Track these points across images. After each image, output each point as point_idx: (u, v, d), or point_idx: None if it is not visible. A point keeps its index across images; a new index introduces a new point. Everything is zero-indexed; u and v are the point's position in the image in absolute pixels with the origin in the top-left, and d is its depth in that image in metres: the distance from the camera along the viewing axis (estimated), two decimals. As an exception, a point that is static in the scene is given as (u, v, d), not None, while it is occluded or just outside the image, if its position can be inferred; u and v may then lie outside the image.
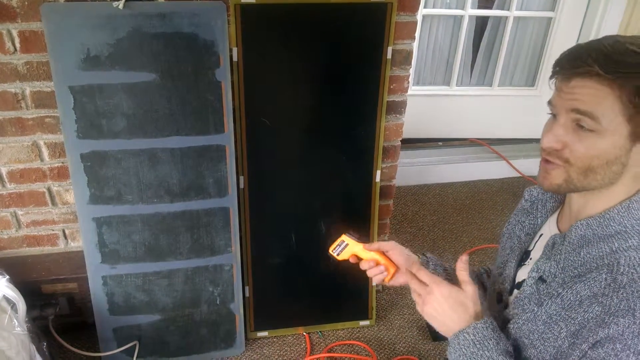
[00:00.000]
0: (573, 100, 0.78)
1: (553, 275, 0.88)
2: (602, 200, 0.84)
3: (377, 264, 1.10)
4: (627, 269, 0.78)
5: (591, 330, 0.78)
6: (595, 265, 0.82)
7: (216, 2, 1.47)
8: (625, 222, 0.81)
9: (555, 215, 0.96)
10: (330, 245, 1.14)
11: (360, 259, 1.12)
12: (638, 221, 0.81)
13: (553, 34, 2.95)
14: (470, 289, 0.89)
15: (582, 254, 0.85)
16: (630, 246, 0.80)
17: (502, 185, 3.07)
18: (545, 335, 0.85)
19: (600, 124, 0.76)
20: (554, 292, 0.87)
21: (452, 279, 1.12)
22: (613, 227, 0.82)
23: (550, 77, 0.83)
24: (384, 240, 1.13)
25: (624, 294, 0.76)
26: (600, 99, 0.76)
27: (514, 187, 3.03)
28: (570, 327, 0.82)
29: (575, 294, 0.82)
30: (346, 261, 1.13)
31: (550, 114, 0.84)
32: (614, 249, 0.81)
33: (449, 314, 0.88)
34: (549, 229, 0.96)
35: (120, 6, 1.40)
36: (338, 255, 1.13)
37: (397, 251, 1.10)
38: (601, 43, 0.77)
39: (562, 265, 0.87)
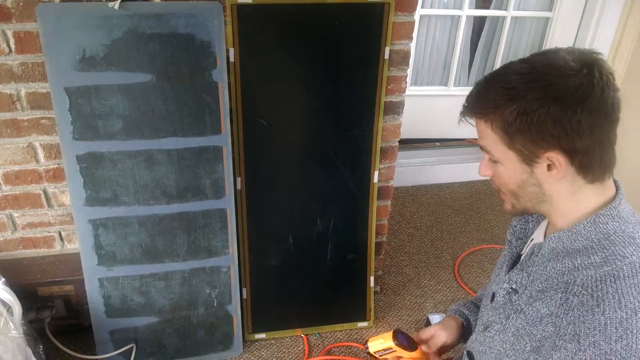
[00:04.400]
0: (478, 137, 0.87)
1: (524, 287, 0.90)
2: (558, 215, 0.87)
3: None
4: (580, 289, 0.78)
5: (547, 352, 0.79)
6: (556, 281, 0.83)
7: (213, 3, 1.46)
8: (592, 236, 0.81)
9: (546, 222, 0.97)
10: (370, 340, 1.07)
11: None
12: (605, 236, 0.81)
13: (551, 34, 2.95)
14: None
15: (548, 267, 0.85)
16: (591, 263, 0.80)
17: (500, 185, 3.06)
18: (515, 347, 0.87)
19: (493, 155, 0.85)
20: (519, 307, 0.88)
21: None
22: (580, 242, 0.82)
23: None
24: (426, 330, 1.15)
25: (572, 317, 0.77)
26: (485, 134, 0.84)
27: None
28: (533, 343, 0.83)
29: (536, 311, 0.83)
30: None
31: None
32: (576, 265, 0.81)
33: None
34: (538, 235, 0.97)
35: (116, 6, 1.39)
36: (380, 357, 1.07)
37: (450, 340, 1.14)
38: (479, 82, 0.84)
39: (531, 277, 0.89)
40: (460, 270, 2.39)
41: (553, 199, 0.84)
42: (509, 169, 0.84)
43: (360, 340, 2.00)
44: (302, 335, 2.00)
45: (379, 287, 2.22)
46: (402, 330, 1.07)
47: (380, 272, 2.21)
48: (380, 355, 1.06)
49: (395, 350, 1.04)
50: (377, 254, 2.03)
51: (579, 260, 0.81)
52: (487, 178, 0.92)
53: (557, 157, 0.78)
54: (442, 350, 1.14)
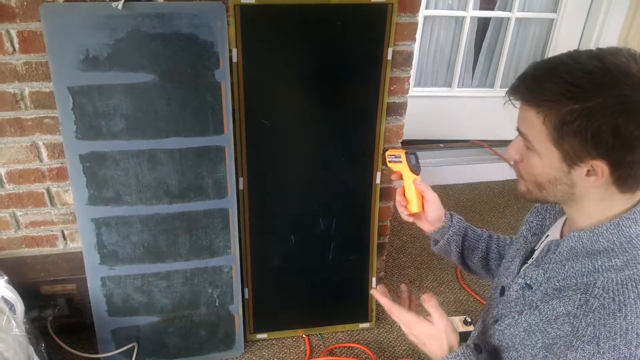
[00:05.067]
0: (518, 121, 0.83)
1: (539, 284, 0.89)
2: (581, 215, 0.85)
3: (403, 196, 1.15)
4: (600, 292, 0.78)
5: (561, 351, 0.79)
6: (575, 282, 0.82)
7: (216, 3, 1.47)
8: (614, 239, 0.81)
9: (563, 219, 0.96)
10: (388, 150, 1.18)
11: (400, 179, 1.16)
12: (627, 239, 0.80)
13: (555, 35, 2.94)
14: (441, 323, 0.95)
15: (566, 267, 0.85)
16: (612, 266, 0.79)
17: (503, 187, 3.06)
18: (525, 342, 0.87)
19: (533, 146, 0.80)
20: (533, 303, 0.88)
21: (472, 246, 1.20)
22: (601, 244, 0.81)
23: None
24: (431, 189, 1.16)
25: (592, 319, 0.76)
26: (531, 123, 0.79)
27: (515, 189, 3.00)
28: (545, 340, 0.83)
29: (552, 309, 0.83)
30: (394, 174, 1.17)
31: None
32: (596, 267, 0.80)
33: (428, 347, 0.97)
34: (554, 232, 0.97)
35: (120, 6, 1.40)
36: (390, 162, 1.17)
37: (435, 207, 1.14)
38: (538, 65, 0.79)
39: (548, 275, 0.88)
40: (462, 272, 2.39)
41: (582, 201, 0.83)
42: (545, 164, 0.81)
43: (362, 342, 2.00)
44: (304, 335, 2.00)
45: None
46: (417, 155, 1.15)
47: (383, 273, 2.21)
48: (389, 161, 1.16)
49: (401, 162, 1.13)
50: (379, 255, 2.03)
51: (599, 262, 0.80)
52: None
53: (601, 166, 0.75)
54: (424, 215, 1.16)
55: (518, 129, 0.83)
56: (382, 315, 2.11)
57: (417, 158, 1.14)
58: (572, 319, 0.79)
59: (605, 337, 0.74)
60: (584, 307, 0.78)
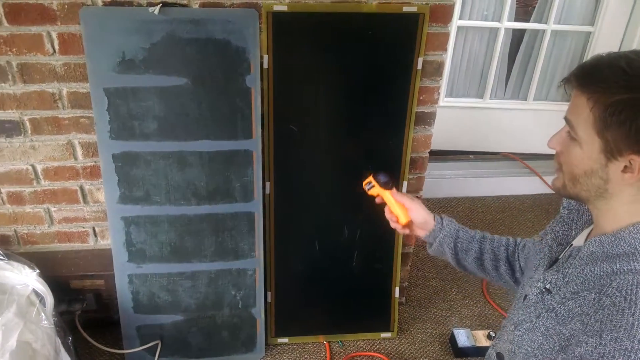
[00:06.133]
0: (568, 109, 0.83)
1: (557, 288, 0.88)
2: (608, 218, 0.84)
3: (391, 212, 1.21)
4: (614, 291, 0.77)
5: (571, 349, 0.79)
6: (592, 284, 0.82)
7: (249, 10, 1.49)
8: (636, 243, 0.80)
9: (589, 229, 0.95)
10: (363, 181, 1.24)
11: (384, 202, 1.22)
12: None
13: (592, 48, 2.88)
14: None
15: (585, 270, 0.84)
16: (632, 269, 0.78)
17: (534, 201, 3.00)
18: (543, 347, 0.87)
19: (577, 134, 0.80)
20: (550, 306, 0.88)
21: (465, 247, 1.22)
22: (622, 247, 0.81)
23: None
24: (413, 196, 1.28)
25: (601, 316, 0.76)
26: (579, 110, 0.79)
27: (546, 204, 2.97)
28: (561, 342, 0.82)
29: (567, 310, 0.83)
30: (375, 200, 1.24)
31: None
32: (615, 270, 0.80)
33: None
34: (578, 241, 0.96)
35: (156, 12, 1.44)
36: (368, 190, 1.23)
37: (418, 213, 1.20)
38: (599, 57, 0.78)
39: (567, 279, 0.87)
40: (488, 286, 2.35)
41: (612, 199, 0.82)
42: (585, 153, 0.80)
43: (383, 351, 1.99)
44: (325, 342, 2.00)
45: (404, 298, 2.21)
46: (385, 173, 1.22)
47: (406, 283, 2.20)
48: (367, 190, 1.23)
49: (373, 185, 1.21)
50: (403, 264, 2.02)
51: (618, 265, 0.80)
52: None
53: (639, 163, 0.75)
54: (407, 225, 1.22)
55: (566, 118, 0.83)
56: (404, 326, 2.10)
57: (385, 176, 1.22)
58: (584, 317, 0.79)
59: (609, 329, 0.74)
60: (595, 305, 0.78)
